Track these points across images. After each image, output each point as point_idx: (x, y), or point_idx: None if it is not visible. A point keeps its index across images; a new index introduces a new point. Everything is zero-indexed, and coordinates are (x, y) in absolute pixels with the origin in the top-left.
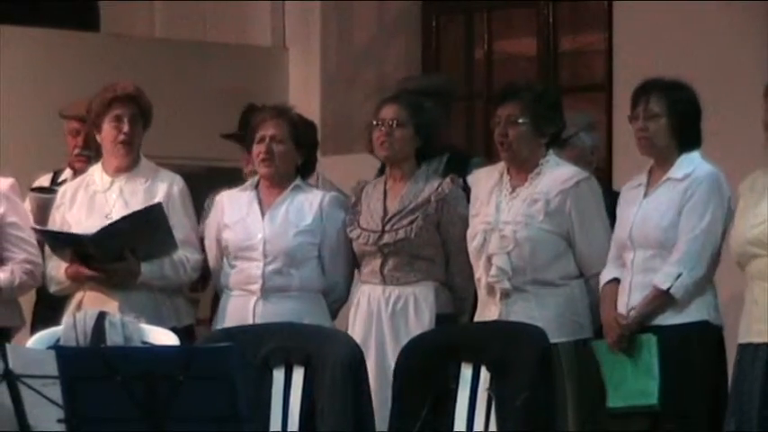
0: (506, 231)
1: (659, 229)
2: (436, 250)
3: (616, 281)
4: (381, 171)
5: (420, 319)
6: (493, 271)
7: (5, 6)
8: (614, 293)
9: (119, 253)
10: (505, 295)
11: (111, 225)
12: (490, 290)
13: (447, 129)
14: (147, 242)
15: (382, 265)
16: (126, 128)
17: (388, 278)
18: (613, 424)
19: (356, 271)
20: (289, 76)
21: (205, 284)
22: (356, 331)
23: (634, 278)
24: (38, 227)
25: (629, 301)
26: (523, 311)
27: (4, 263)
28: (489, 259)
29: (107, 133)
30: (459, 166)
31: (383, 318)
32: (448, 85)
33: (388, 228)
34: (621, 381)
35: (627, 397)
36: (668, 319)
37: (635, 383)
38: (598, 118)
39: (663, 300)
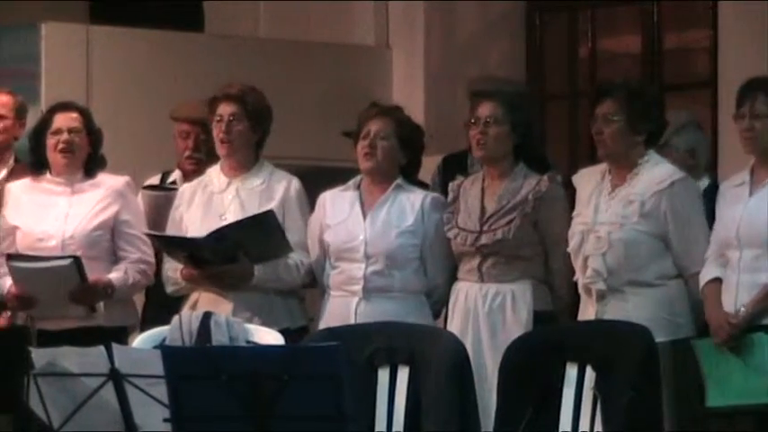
0: (601, 232)
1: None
2: (534, 249)
3: (718, 280)
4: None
5: (517, 317)
6: (588, 272)
7: (111, 8)
8: (718, 293)
9: (232, 255)
10: (601, 296)
11: (222, 228)
12: (587, 291)
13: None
14: (260, 245)
15: (480, 264)
16: (223, 127)
17: (485, 276)
18: (714, 424)
19: None
20: (392, 75)
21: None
22: (454, 328)
23: (741, 277)
24: (150, 231)
25: (737, 300)
26: (619, 312)
27: (119, 262)
28: (585, 260)
29: (214, 133)
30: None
31: (480, 315)
32: (519, 88)
33: (485, 228)
34: (727, 380)
35: (734, 395)
36: None
37: (745, 382)
38: (703, 116)
39: None
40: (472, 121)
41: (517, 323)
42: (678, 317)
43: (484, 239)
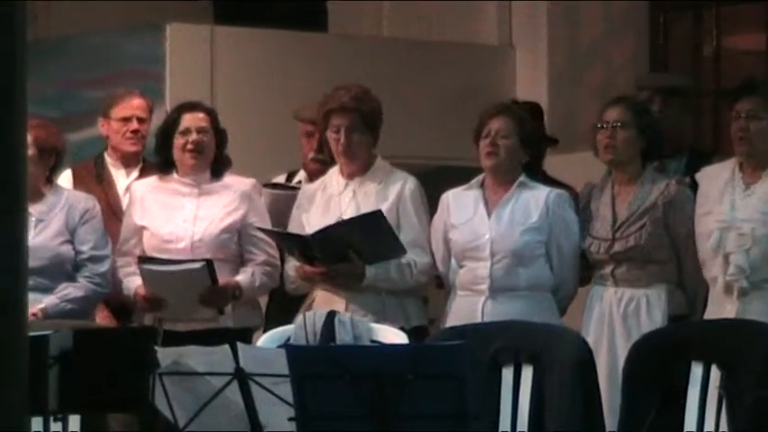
0: (744, 229)
1: None
2: (667, 252)
3: None
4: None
5: (652, 321)
6: (731, 269)
7: (235, 8)
8: None
9: (343, 254)
10: (743, 293)
11: (330, 227)
12: (727, 288)
13: (688, 129)
14: (371, 245)
15: (614, 270)
16: (342, 139)
17: (620, 281)
18: None
19: None
20: (516, 74)
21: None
22: (589, 332)
23: None
24: (264, 227)
25: None
26: (761, 309)
27: (245, 263)
28: (726, 258)
29: (331, 143)
30: (701, 167)
31: (615, 319)
32: (688, 85)
33: (618, 235)
34: None
35: None
36: None
37: None
38: None
39: None
40: (600, 125)
41: (652, 327)
42: None
43: (617, 247)
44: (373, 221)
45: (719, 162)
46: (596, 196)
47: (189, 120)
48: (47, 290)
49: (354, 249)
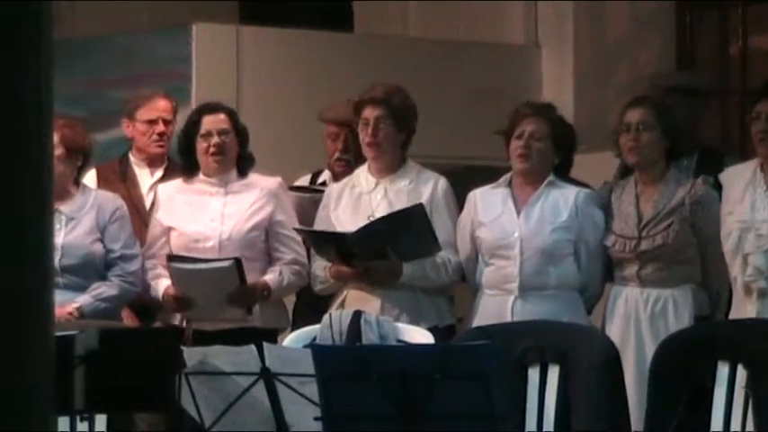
0: (763, 230)
1: None
2: (693, 251)
3: None
4: (623, 172)
5: (680, 322)
6: (749, 270)
7: (261, 8)
8: None
9: (381, 252)
10: (762, 294)
11: (371, 224)
12: (747, 289)
13: (699, 127)
14: (409, 242)
15: (639, 270)
16: (370, 130)
17: (645, 282)
18: None
19: None
20: (542, 74)
21: None
22: (613, 332)
23: None
24: (301, 227)
25: None
26: None
27: (273, 263)
28: (745, 258)
29: (361, 136)
30: (712, 164)
31: (642, 319)
32: (703, 83)
33: (644, 234)
34: None
35: None
36: None
37: None
38: None
39: None
40: (622, 128)
41: (680, 328)
42: None
43: (644, 246)
44: (414, 215)
45: (731, 160)
46: (617, 195)
47: (209, 122)
48: (80, 288)
49: (392, 246)
